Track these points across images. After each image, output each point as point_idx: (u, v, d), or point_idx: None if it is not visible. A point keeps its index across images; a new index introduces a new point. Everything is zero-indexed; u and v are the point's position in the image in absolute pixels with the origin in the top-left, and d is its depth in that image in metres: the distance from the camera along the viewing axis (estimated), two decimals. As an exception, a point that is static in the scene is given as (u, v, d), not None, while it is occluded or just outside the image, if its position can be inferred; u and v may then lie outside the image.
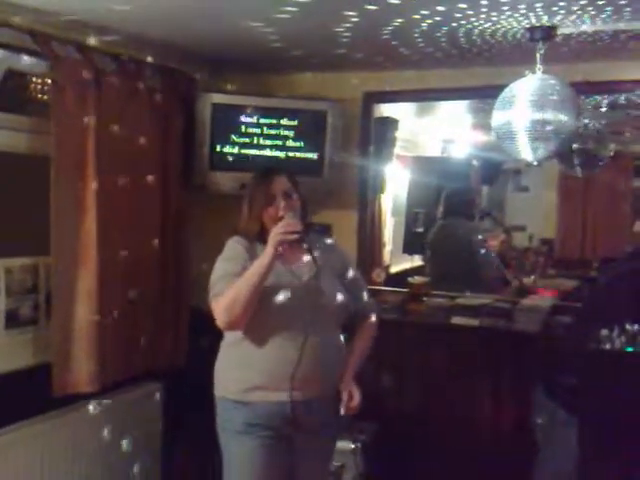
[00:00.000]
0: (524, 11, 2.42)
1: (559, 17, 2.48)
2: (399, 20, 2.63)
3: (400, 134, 4.14)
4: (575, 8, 2.36)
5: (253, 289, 2.22)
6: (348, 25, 2.74)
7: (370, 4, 2.42)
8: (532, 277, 5.26)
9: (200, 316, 2.36)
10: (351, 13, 2.57)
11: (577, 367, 2.51)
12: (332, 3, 2.47)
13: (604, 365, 2.38)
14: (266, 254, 2.24)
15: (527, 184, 6.90)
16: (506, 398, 3.34)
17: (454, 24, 2.65)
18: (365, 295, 2.57)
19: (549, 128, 2.38)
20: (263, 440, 2.32)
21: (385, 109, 3.92)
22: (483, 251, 4.32)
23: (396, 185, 4.92)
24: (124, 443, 3.29)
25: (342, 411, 2.34)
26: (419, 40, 2.93)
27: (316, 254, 2.36)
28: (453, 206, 4.49)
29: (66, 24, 2.77)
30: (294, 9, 2.53)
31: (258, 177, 2.48)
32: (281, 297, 2.29)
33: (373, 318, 2.57)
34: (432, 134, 5.82)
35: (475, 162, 5.84)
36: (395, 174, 4.73)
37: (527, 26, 2.60)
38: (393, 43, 2.99)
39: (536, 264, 5.72)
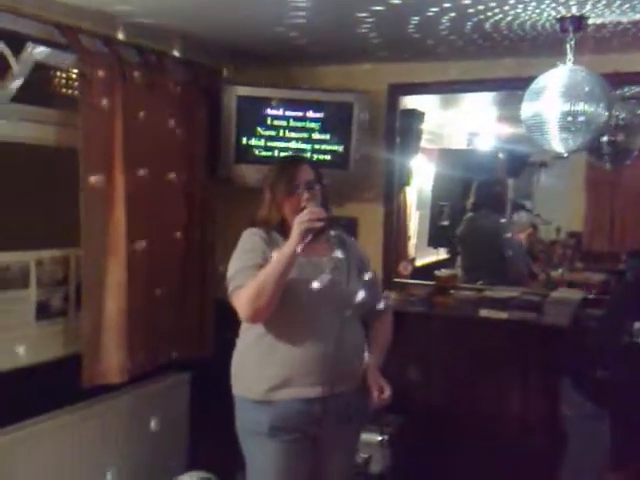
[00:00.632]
0: (552, 2, 2.39)
1: (588, 7, 2.44)
2: (426, 13, 2.61)
3: (426, 126, 4.11)
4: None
5: (278, 279, 2.15)
6: (372, 19, 2.73)
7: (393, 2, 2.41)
8: (560, 270, 5.21)
9: (226, 308, 2.35)
10: (378, 8, 2.56)
11: (609, 360, 2.48)
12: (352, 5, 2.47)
13: (638, 358, 2.34)
14: (291, 243, 2.16)
15: (554, 176, 6.80)
16: (534, 392, 3.31)
17: (481, 16, 2.62)
18: (380, 293, 2.55)
19: (580, 119, 2.35)
20: (288, 444, 2.27)
21: (410, 101, 3.89)
22: (512, 244, 4.28)
23: (421, 178, 4.89)
24: (152, 433, 3.32)
25: (374, 404, 2.32)
26: (445, 32, 2.90)
27: (340, 246, 2.35)
28: (484, 198, 4.45)
29: (92, 17, 2.79)
30: (311, 4, 2.53)
31: (280, 166, 2.43)
32: (304, 289, 2.24)
33: (389, 314, 2.56)
34: (457, 127, 5.76)
35: (501, 155, 5.78)
36: (420, 167, 4.70)
37: (557, 16, 2.56)
38: (418, 35, 2.97)
39: (563, 257, 5.65)
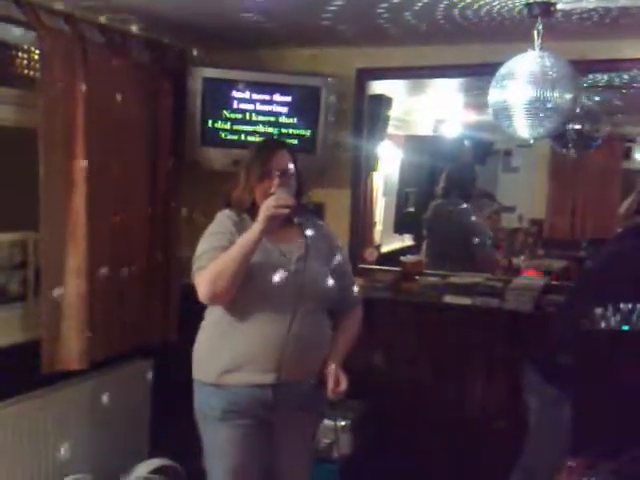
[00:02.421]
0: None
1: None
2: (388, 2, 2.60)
3: (393, 113, 4.10)
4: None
5: (239, 263, 2.15)
6: (339, 3, 2.71)
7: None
8: (521, 257, 5.28)
9: (192, 294, 2.32)
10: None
11: (570, 346, 2.51)
12: None
13: (600, 344, 2.38)
14: (255, 228, 2.17)
15: (517, 165, 6.89)
16: (497, 377, 3.35)
17: (448, 1, 2.60)
18: (352, 283, 2.53)
19: (547, 106, 2.35)
20: (242, 429, 2.28)
21: (378, 87, 3.88)
22: (479, 231, 4.31)
23: (388, 164, 4.89)
24: (113, 420, 3.27)
25: (329, 396, 2.31)
26: (413, 18, 2.89)
27: (308, 233, 2.32)
28: (455, 184, 4.46)
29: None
30: None
31: (257, 149, 2.42)
32: (268, 276, 2.24)
33: (359, 308, 2.54)
34: (424, 113, 5.78)
35: (466, 142, 5.82)
36: (387, 153, 4.70)
37: (525, 2, 2.56)
38: (386, 21, 2.95)
39: (525, 244, 5.73)
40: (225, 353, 2.28)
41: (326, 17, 2.93)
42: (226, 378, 2.26)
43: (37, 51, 2.83)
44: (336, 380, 2.30)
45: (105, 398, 3.22)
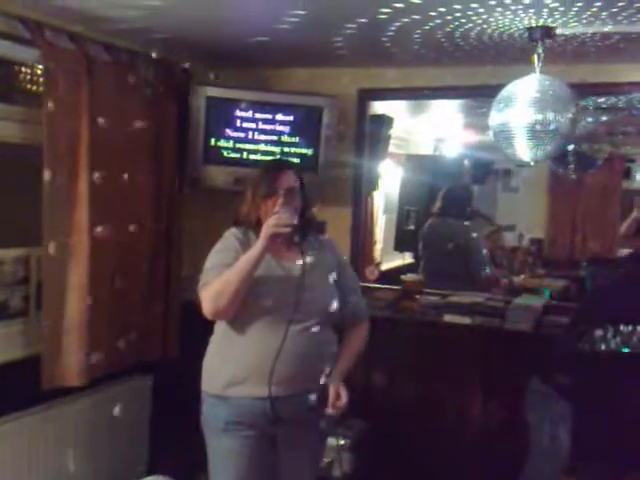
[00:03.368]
0: (522, 12, 2.42)
1: (558, 18, 2.48)
2: (397, 24, 2.65)
3: (394, 132, 4.14)
4: (573, 10, 2.36)
5: (241, 280, 2.20)
6: (347, 32, 2.78)
7: (369, 15, 2.45)
8: (521, 276, 5.29)
9: (193, 310, 2.34)
10: (351, 25, 2.62)
11: (571, 368, 2.52)
12: (334, 16, 2.53)
13: (600, 366, 2.38)
14: (257, 246, 2.22)
15: (517, 184, 6.93)
16: (497, 397, 3.35)
17: (452, 25, 2.65)
18: (358, 297, 2.54)
19: (548, 129, 2.38)
20: (245, 440, 2.30)
21: (379, 107, 3.92)
22: (475, 249, 4.32)
23: (388, 183, 4.92)
24: (112, 437, 3.27)
25: (329, 410, 2.30)
26: (418, 41, 2.93)
27: (310, 251, 2.34)
28: (451, 204, 4.49)
29: (61, 13, 2.74)
30: (296, 19, 2.56)
31: (264, 168, 2.46)
32: (267, 290, 2.28)
33: (365, 323, 2.55)
34: (425, 133, 5.83)
35: (466, 161, 5.86)
36: (388, 172, 4.73)
37: (526, 26, 2.60)
38: (392, 42, 2.99)
39: (525, 263, 5.75)
40: (229, 366, 2.32)
41: (337, 40, 2.99)
42: (230, 390, 2.30)
43: (40, 67, 2.85)
44: (336, 394, 2.32)
45: (105, 414, 3.22)
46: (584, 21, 2.51)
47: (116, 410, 3.26)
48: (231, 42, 3.19)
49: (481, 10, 2.43)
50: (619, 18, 2.45)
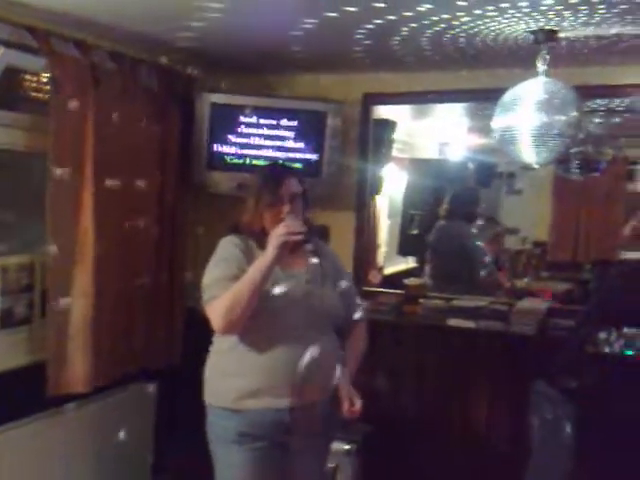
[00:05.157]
0: (525, 15, 2.43)
1: (561, 21, 2.48)
2: (406, 29, 2.66)
3: (397, 136, 4.14)
4: (576, 12, 2.36)
5: (252, 292, 2.14)
6: (355, 38, 2.81)
7: (380, 19, 2.47)
8: (525, 279, 5.28)
9: (196, 317, 2.33)
10: (362, 31, 2.65)
11: (576, 370, 2.52)
12: (346, 23, 2.55)
13: (604, 369, 2.38)
14: (267, 255, 2.16)
15: (521, 187, 6.91)
16: (501, 400, 3.34)
17: (457, 29, 2.65)
18: (357, 301, 2.53)
19: (553, 132, 2.37)
20: (256, 451, 2.26)
21: (383, 111, 3.92)
22: (482, 254, 4.32)
23: (392, 187, 4.92)
24: (117, 444, 3.27)
25: (344, 416, 2.30)
26: (424, 45, 2.94)
27: (319, 259, 2.33)
28: (458, 207, 4.48)
29: (63, 20, 2.75)
30: (309, 26, 2.59)
31: (266, 175, 2.40)
32: (280, 301, 2.23)
33: (364, 323, 2.54)
34: (429, 136, 5.82)
35: (470, 165, 5.85)
36: (392, 176, 4.73)
37: (530, 29, 2.60)
38: (396, 48, 3.00)
39: (528, 266, 5.73)
40: (241, 379, 2.26)
41: (344, 46, 3.01)
42: (242, 403, 2.24)
43: (46, 74, 2.86)
44: (351, 399, 2.30)
45: (109, 421, 3.22)
46: (588, 24, 2.51)
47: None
48: (238, 50, 3.21)
49: (486, 14, 2.43)
50: (623, 21, 2.45)
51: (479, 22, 2.54)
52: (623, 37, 2.68)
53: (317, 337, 2.26)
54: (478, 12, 2.39)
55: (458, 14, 2.42)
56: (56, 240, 2.87)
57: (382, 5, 2.34)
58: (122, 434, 3.29)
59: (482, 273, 4.25)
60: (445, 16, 2.46)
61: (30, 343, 2.98)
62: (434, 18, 2.50)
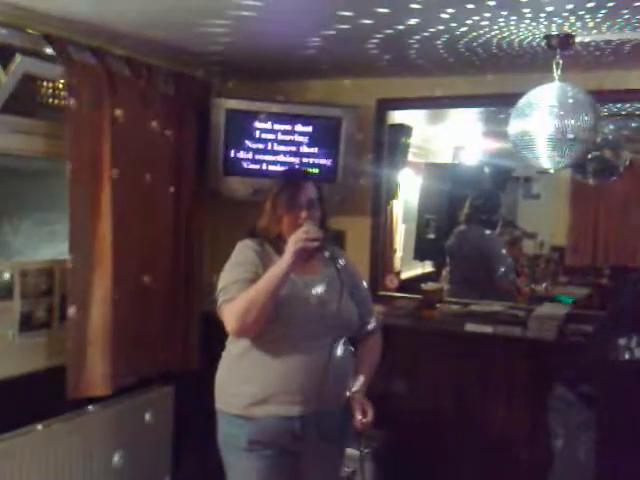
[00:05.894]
0: (541, 20, 2.42)
1: (576, 25, 2.47)
2: (421, 34, 2.67)
3: (413, 141, 4.14)
4: (592, 16, 2.35)
5: (269, 296, 2.14)
6: (371, 44, 2.82)
7: (394, 25, 2.48)
8: (543, 285, 5.24)
9: (213, 321, 2.34)
10: (378, 36, 2.66)
11: (596, 377, 2.49)
12: (363, 29, 2.57)
13: (624, 375, 2.35)
14: (285, 260, 2.15)
15: (538, 191, 6.87)
16: (520, 406, 3.32)
17: (473, 34, 2.65)
18: (372, 310, 2.53)
19: (569, 137, 2.36)
20: (267, 460, 2.24)
21: (398, 116, 3.92)
22: (503, 259, 4.30)
23: (408, 191, 4.92)
24: (135, 447, 3.28)
25: (357, 427, 2.28)
26: (440, 50, 2.94)
27: (339, 265, 2.31)
28: (478, 211, 4.46)
29: (80, 28, 2.78)
30: (330, 32, 2.60)
31: (285, 181, 2.40)
32: (294, 308, 2.22)
33: (379, 335, 2.52)
34: (444, 141, 5.81)
35: (486, 169, 5.83)
36: (407, 180, 4.73)
37: (545, 34, 2.59)
38: (412, 54, 3.00)
39: (546, 271, 5.69)
40: (252, 385, 2.25)
41: (359, 52, 3.01)
42: (254, 410, 2.24)
43: (62, 81, 2.90)
44: (363, 410, 2.28)
45: (128, 423, 3.24)
46: (603, 29, 2.50)
47: (147, 416, 3.27)
48: (254, 57, 3.22)
49: (501, 19, 2.43)
50: (635, 26, 2.43)
51: (495, 27, 2.54)
52: (638, 42, 2.66)
53: (330, 345, 2.25)
54: (495, 17, 2.38)
55: (475, 18, 2.41)
56: (74, 246, 2.90)
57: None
58: (141, 436, 3.31)
59: (502, 278, 4.22)
60: (468, 22, 2.45)
61: (49, 347, 3.01)
62: (453, 24, 2.50)
